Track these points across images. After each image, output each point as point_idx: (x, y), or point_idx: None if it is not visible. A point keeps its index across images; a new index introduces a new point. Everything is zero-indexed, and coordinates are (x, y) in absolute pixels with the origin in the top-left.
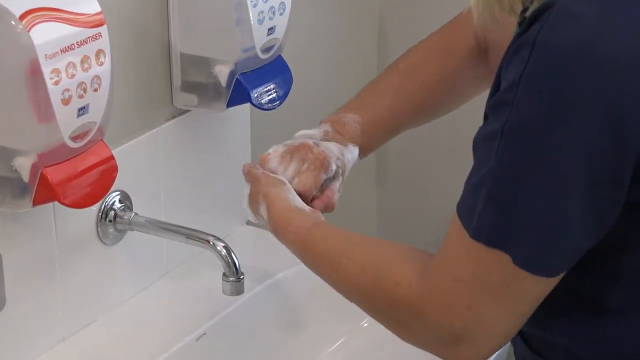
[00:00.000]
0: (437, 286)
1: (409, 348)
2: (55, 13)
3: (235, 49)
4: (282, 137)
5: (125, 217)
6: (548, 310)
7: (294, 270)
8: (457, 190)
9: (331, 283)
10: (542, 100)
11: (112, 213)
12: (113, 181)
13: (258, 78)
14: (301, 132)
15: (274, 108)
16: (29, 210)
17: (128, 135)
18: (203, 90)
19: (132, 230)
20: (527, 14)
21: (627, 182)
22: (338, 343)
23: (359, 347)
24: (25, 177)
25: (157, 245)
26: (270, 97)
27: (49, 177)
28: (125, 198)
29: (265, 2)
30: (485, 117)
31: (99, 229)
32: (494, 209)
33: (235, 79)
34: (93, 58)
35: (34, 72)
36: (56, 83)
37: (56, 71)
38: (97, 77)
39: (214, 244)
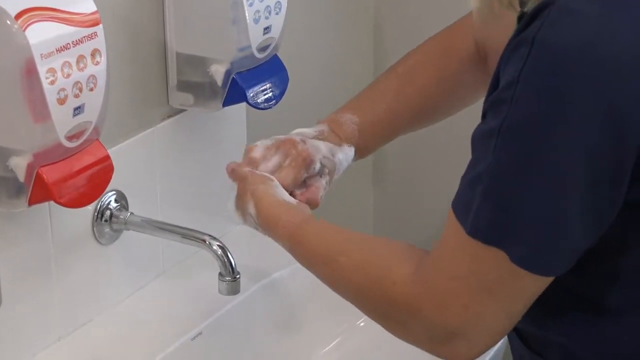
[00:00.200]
0: (433, 284)
1: (406, 348)
2: (50, 12)
3: (231, 48)
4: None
5: (121, 216)
6: (546, 310)
7: (290, 270)
8: (453, 190)
9: (325, 280)
10: (541, 99)
11: (108, 213)
12: (109, 181)
13: (254, 77)
14: (297, 130)
15: (270, 107)
16: (24, 210)
17: (124, 134)
18: (199, 89)
19: (128, 229)
20: (526, 8)
21: (627, 181)
22: (334, 343)
23: (355, 346)
24: (21, 177)
25: (153, 245)
26: (266, 96)
27: (44, 176)
28: (121, 197)
29: (261, 1)
30: (484, 115)
31: (94, 228)
32: (491, 207)
33: (231, 78)
34: (89, 57)
35: (30, 71)
36: (52, 83)
37: (52, 71)
38: (93, 76)
39: (209, 243)
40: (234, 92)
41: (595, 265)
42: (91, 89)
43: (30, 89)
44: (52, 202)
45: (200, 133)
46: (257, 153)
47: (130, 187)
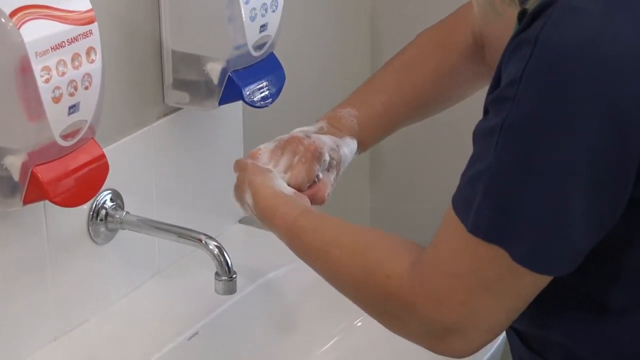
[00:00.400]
0: (430, 280)
1: (403, 347)
2: (45, 10)
3: (227, 46)
4: (274, 135)
5: (117, 215)
6: (547, 309)
7: (286, 269)
8: (450, 189)
9: (321, 273)
10: (543, 98)
11: (103, 212)
12: (104, 180)
13: (250, 75)
14: (296, 130)
15: (266, 106)
16: (19, 209)
17: (119, 133)
18: (195, 88)
19: (124, 229)
20: (528, 5)
21: (631, 181)
22: (331, 342)
23: (352, 346)
24: (16, 176)
25: (149, 244)
26: (263, 94)
27: (39, 175)
28: (116, 197)
29: None
30: (485, 112)
31: (90, 228)
32: (492, 205)
33: (227, 76)
34: (84, 56)
35: (25, 70)
36: (47, 81)
37: (47, 69)
38: (88, 74)
39: (206, 242)
40: (230, 90)
41: (597, 264)
42: (86, 88)
43: (25, 87)
44: (47, 201)
45: (196, 132)
46: (263, 159)
47: (126, 186)
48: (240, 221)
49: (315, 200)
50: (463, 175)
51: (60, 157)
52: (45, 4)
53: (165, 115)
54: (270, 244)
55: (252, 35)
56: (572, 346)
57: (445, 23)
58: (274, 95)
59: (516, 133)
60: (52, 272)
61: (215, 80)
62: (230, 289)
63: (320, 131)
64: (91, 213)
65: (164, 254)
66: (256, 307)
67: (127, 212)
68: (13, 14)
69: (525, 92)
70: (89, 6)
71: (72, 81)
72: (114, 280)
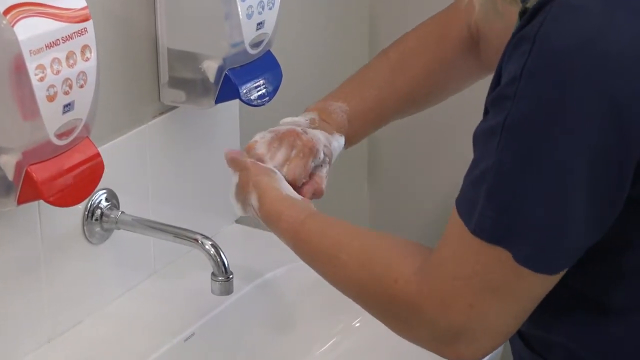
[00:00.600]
0: (436, 283)
1: (402, 348)
2: (39, 8)
3: (223, 44)
4: None
5: (112, 215)
6: (548, 310)
7: (284, 270)
8: (449, 189)
9: (327, 277)
10: (543, 97)
11: (98, 212)
12: (99, 179)
13: (247, 74)
14: (287, 119)
15: (263, 104)
16: (13, 209)
17: (114, 132)
18: (191, 86)
19: (119, 229)
20: (528, 4)
21: (630, 179)
22: (329, 343)
23: (350, 347)
24: (10, 175)
25: (145, 245)
26: (260, 93)
27: (33, 175)
28: (111, 196)
29: None
30: (486, 111)
31: (85, 227)
32: (495, 206)
33: (223, 74)
34: (79, 54)
35: (19, 68)
36: (41, 79)
37: (41, 67)
38: (83, 73)
39: (202, 242)
40: (227, 88)
41: (599, 264)
42: (81, 86)
43: (19, 85)
44: (41, 201)
45: (193, 130)
46: (260, 149)
47: (121, 186)
48: (237, 221)
49: (315, 195)
50: (466, 177)
51: (54, 156)
52: (40, 1)
53: (161, 113)
54: (267, 244)
55: (248, 33)
56: (573, 347)
57: (441, 16)
58: (271, 94)
59: (517, 132)
60: (46, 273)
61: (212, 79)
62: (227, 290)
63: (312, 124)
64: (86, 213)
65: (160, 254)
66: (253, 308)
67: (123, 212)
68: (7, 11)
69: (525, 91)
70: (83, 3)
71: (66, 79)
72: (109, 280)
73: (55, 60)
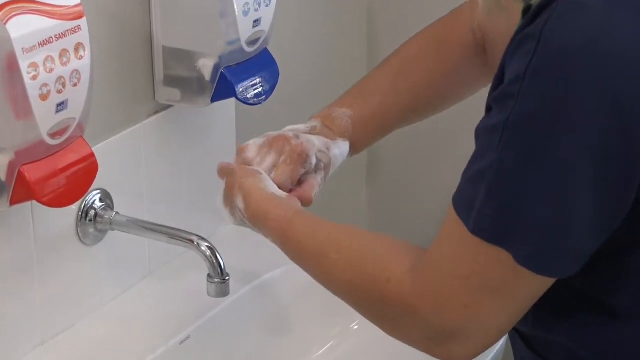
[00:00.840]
0: (431, 283)
1: (400, 351)
2: (32, 5)
3: (219, 41)
4: None
5: (106, 216)
6: (551, 311)
7: (281, 271)
8: (448, 190)
9: (317, 277)
10: (547, 95)
11: (92, 212)
12: (93, 179)
13: (243, 72)
14: (288, 127)
15: (260, 103)
16: (6, 210)
17: (109, 131)
18: (186, 84)
19: (114, 230)
20: (533, 1)
21: (636, 180)
22: (327, 346)
23: (348, 350)
24: (2, 176)
25: (140, 246)
26: (256, 91)
27: (26, 175)
28: (106, 197)
29: None
30: (488, 109)
31: (78, 228)
32: (495, 205)
33: (219, 72)
34: (72, 52)
35: (11, 66)
36: (34, 78)
37: (34, 65)
38: (77, 71)
39: (198, 244)
40: (223, 87)
41: (602, 266)
42: (75, 85)
43: (12, 84)
44: (34, 202)
45: (188, 130)
46: (250, 153)
47: (116, 186)
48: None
49: (302, 202)
50: (464, 174)
51: (48, 156)
52: None
53: (156, 112)
54: (264, 245)
55: (245, 31)
56: (575, 348)
57: (444, 22)
58: (267, 92)
59: (519, 131)
60: (39, 275)
61: (208, 77)
62: (223, 292)
63: (313, 131)
64: (80, 213)
65: (155, 255)
66: (250, 310)
67: (117, 213)
68: None
69: (529, 89)
70: (77, 1)
71: (60, 78)
72: (103, 282)
73: (49, 58)
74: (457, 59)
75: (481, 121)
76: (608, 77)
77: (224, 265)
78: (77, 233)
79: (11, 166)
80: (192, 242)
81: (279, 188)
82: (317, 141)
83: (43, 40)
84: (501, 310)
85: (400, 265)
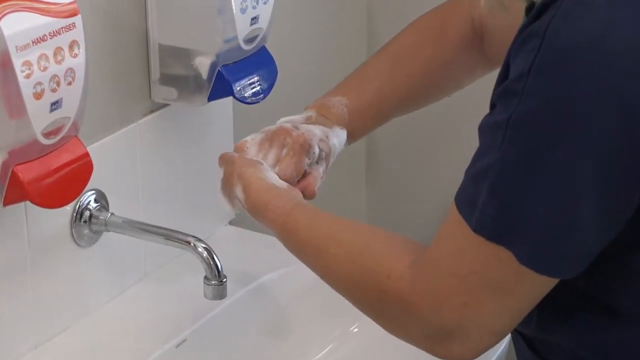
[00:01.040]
0: (431, 280)
1: (401, 354)
2: (26, 2)
3: (216, 39)
4: None
5: (101, 217)
6: (554, 313)
7: (279, 273)
8: (448, 188)
9: (316, 271)
10: (551, 93)
11: (87, 213)
12: (88, 179)
13: (241, 70)
14: (283, 119)
15: (257, 102)
16: None
17: (104, 131)
18: (183, 83)
19: (109, 231)
20: None
21: None
22: (326, 350)
23: (347, 353)
24: None
25: (135, 247)
26: (254, 90)
27: (20, 175)
28: (101, 197)
29: None
30: (492, 106)
31: (73, 230)
32: (498, 204)
33: (216, 71)
34: (66, 50)
35: (4, 64)
36: (28, 76)
37: (27, 64)
38: (71, 69)
39: (194, 245)
40: (220, 85)
41: (606, 267)
42: (69, 83)
43: (5, 83)
44: (28, 202)
45: (185, 129)
46: (251, 151)
47: (111, 186)
48: (231, 223)
49: (305, 195)
50: (467, 171)
51: (41, 156)
52: None
53: (152, 111)
54: (262, 246)
55: (242, 28)
56: (579, 351)
57: (443, 9)
58: (265, 91)
59: (523, 129)
60: (32, 277)
61: (204, 75)
62: (220, 294)
63: (309, 121)
64: (74, 214)
65: (151, 257)
66: (247, 313)
67: (112, 214)
68: None
69: (533, 87)
70: None
71: (54, 76)
72: (98, 284)
73: (43, 56)
74: (454, 47)
75: (485, 117)
76: (613, 75)
77: (221, 267)
78: (72, 234)
79: (4, 166)
80: (189, 243)
81: (286, 182)
82: (317, 130)
83: (37, 38)
84: (502, 310)
85: (400, 261)
